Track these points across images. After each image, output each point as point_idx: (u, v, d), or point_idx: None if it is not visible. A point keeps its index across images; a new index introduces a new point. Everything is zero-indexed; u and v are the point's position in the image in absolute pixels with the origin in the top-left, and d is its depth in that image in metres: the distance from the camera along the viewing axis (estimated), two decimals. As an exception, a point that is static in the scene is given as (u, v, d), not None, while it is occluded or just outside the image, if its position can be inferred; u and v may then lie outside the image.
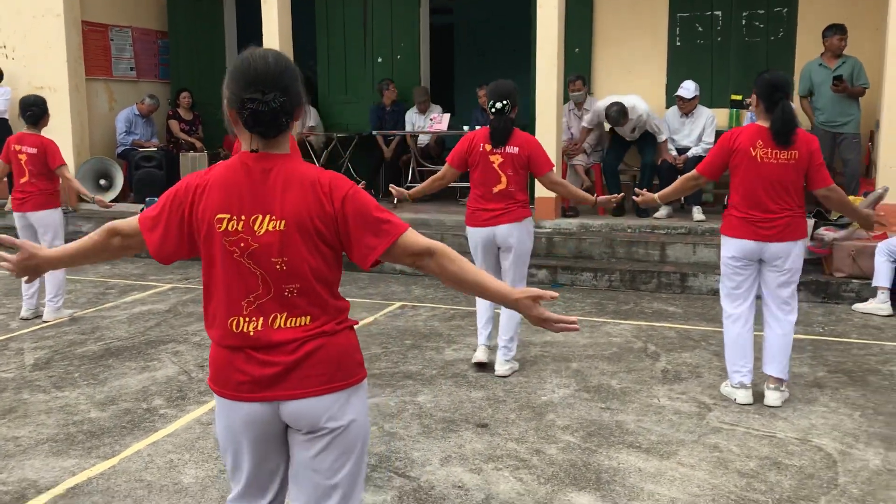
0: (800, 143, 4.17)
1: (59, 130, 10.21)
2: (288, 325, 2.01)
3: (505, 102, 4.66)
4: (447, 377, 4.79)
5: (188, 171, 9.64)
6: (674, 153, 7.96)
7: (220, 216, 2.00)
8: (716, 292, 6.34)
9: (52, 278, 6.09)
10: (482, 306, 5.01)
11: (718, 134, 8.10)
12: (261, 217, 1.98)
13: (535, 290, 2.14)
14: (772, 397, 4.29)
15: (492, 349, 4.95)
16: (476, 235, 4.84)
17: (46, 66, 10.10)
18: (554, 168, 4.94)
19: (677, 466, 3.58)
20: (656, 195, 4.70)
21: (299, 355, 2.01)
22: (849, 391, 4.50)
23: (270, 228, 1.98)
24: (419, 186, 5.11)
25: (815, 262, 6.69)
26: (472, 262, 4.77)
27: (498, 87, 4.74)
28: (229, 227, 1.99)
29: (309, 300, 2.02)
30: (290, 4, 9.13)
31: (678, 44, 9.39)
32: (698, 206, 7.95)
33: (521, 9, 10.06)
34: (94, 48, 10.50)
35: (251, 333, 2.01)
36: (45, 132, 6.28)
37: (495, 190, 4.72)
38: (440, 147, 10.09)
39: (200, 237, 2.03)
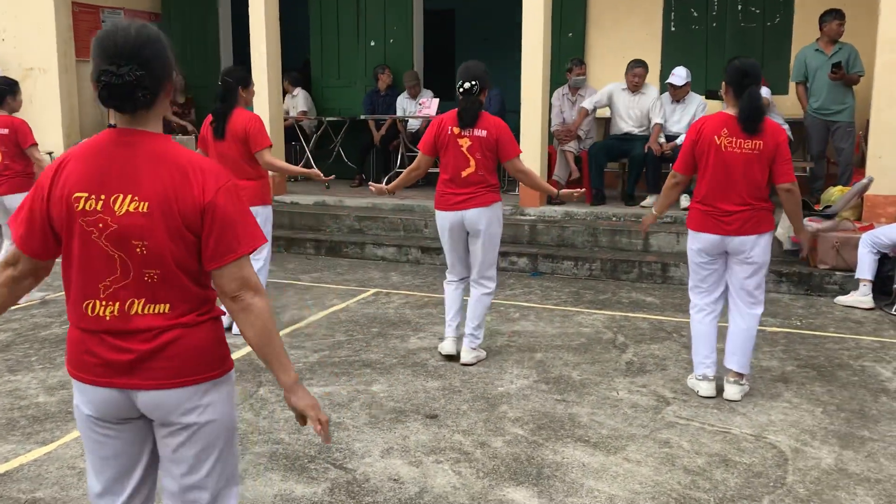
0: (766, 134, 4.04)
1: (49, 112, 10.20)
2: (146, 312, 1.92)
3: (474, 83, 4.58)
4: (406, 366, 4.70)
5: (176, 155, 9.61)
6: (662, 140, 7.80)
7: (77, 194, 1.89)
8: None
9: None
10: (451, 297, 4.92)
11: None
12: (121, 197, 1.87)
13: (312, 408, 2.05)
14: (731, 391, 4.19)
15: (459, 340, 4.84)
16: (444, 219, 4.76)
17: (37, 47, 10.05)
18: (521, 155, 4.81)
19: (623, 462, 3.48)
20: (654, 211, 4.61)
21: (154, 345, 1.93)
22: (815, 386, 4.37)
23: (131, 209, 1.87)
24: (396, 180, 5.04)
25: (798, 254, 6.53)
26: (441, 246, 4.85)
27: (468, 68, 4.66)
28: (87, 207, 1.88)
29: (169, 288, 1.92)
30: (276, -12, 9.01)
31: (673, 29, 9.21)
32: (686, 194, 7.78)
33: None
34: (85, 29, 10.42)
35: (107, 318, 1.92)
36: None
37: (464, 174, 4.64)
38: (430, 132, 9.96)
39: (60, 217, 1.91)
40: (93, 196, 1.88)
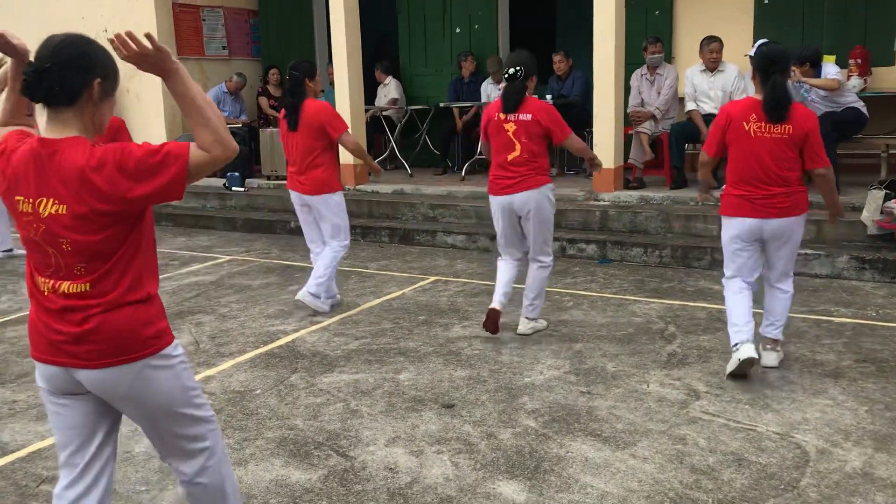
0: (795, 119, 4.01)
1: (153, 107, 10.79)
2: (76, 298, 2.12)
3: (518, 69, 4.66)
4: (441, 355, 4.69)
5: (267, 146, 9.95)
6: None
7: (17, 197, 2.13)
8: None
9: None
10: (502, 269, 5.06)
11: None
12: (44, 200, 2.08)
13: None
14: (768, 358, 4.27)
15: (503, 307, 4.95)
16: (495, 204, 4.91)
17: (141, 48, 10.61)
18: (572, 134, 4.84)
19: (628, 458, 3.34)
20: (700, 192, 4.75)
21: (84, 328, 2.12)
22: (868, 383, 4.05)
23: (53, 212, 2.07)
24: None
25: (887, 238, 6.06)
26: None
27: (513, 56, 4.86)
28: (23, 209, 2.12)
29: (96, 276, 2.11)
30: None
31: (765, 2, 8.69)
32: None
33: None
34: (186, 29, 10.95)
35: (46, 303, 2.15)
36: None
37: (510, 157, 4.76)
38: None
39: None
40: (26, 199, 2.11)
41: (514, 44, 10.85)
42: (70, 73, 2.05)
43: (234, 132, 10.14)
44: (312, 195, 5.49)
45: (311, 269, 5.75)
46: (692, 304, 5.55)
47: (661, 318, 5.24)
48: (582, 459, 3.35)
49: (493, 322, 4.86)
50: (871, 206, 6.00)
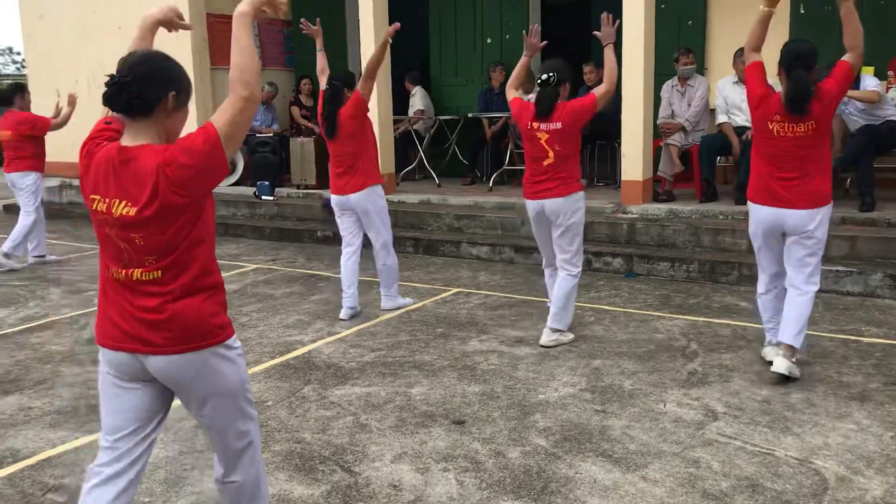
0: (816, 111, 4.06)
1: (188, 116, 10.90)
2: (148, 287, 2.26)
3: (551, 75, 4.78)
4: (455, 369, 4.63)
5: (297, 155, 10.00)
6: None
7: (92, 196, 2.30)
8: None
9: None
10: (549, 284, 5.25)
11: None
12: (116, 201, 2.24)
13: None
14: (780, 365, 4.20)
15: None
16: (528, 207, 5.07)
17: (175, 56, 10.71)
18: (594, 93, 4.87)
19: (638, 481, 3.25)
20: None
21: (157, 317, 2.26)
22: (896, 407, 3.90)
23: (123, 213, 2.23)
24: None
25: None
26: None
27: (548, 63, 4.91)
28: (97, 207, 2.29)
29: (166, 268, 2.26)
30: (386, -7, 9.13)
31: (802, 11, 8.52)
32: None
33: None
34: (220, 39, 11.05)
35: (119, 293, 2.30)
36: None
37: (545, 163, 4.90)
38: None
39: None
40: (101, 199, 2.28)
41: (546, 54, 10.79)
42: (147, 86, 2.23)
43: (264, 141, 10.32)
44: (354, 193, 5.62)
45: (337, 278, 5.80)
46: (717, 320, 5.42)
47: (683, 335, 5.12)
48: (591, 481, 3.26)
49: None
50: (908, 223, 5.81)
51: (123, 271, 2.27)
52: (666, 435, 3.67)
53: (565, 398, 4.15)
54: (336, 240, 8.62)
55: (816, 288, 4.28)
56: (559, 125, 4.79)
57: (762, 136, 4.23)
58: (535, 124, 4.85)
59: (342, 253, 5.84)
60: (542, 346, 4.93)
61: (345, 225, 5.82)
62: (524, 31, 5.46)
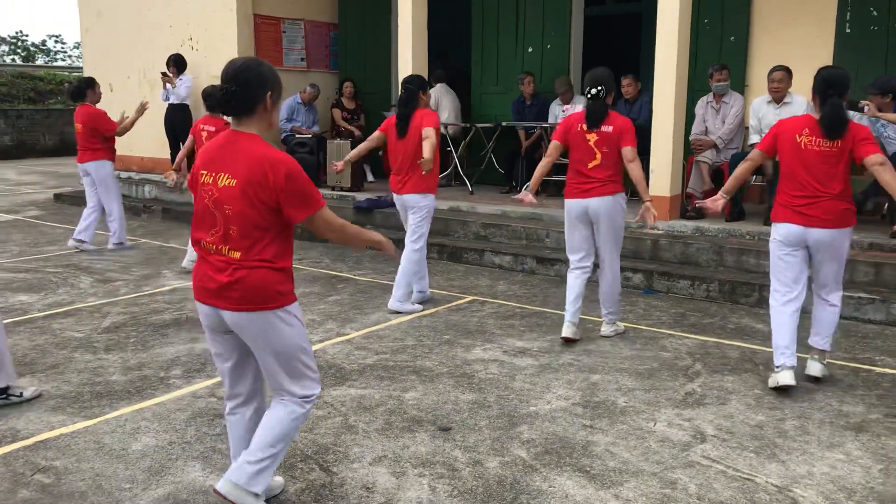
0: (847, 135, 4.19)
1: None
2: (228, 254, 2.76)
3: (600, 88, 5.05)
4: (454, 376, 4.65)
5: (334, 157, 10.11)
6: None
7: (202, 172, 2.82)
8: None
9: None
10: (571, 284, 5.35)
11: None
12: (223, 175, 2.75)
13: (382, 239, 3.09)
14: (813, 368, 4.50)
15: (574, 325, 5.30)
16: (571, 206, 5.26)
17: (222, 56, 10.91)
18: (635, 148, 5.11)
19: (611, 499, 3.23)
20: (722, 193, 4.73)
21: (231, 278, 2.75)
22: (892, 440, 3.79)
23: (226, 184, 2.74)
24: (533, 180, 5.46)
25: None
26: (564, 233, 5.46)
27: (593, 75, 5.13)
28: (204, 181, 2.80)
29: (244, 239, 2.74)
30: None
31: (848, 31, 8.32)
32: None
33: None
34: (266, 40, 11.27)
35: (208, 258, 2.81)
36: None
37: (590, 165, 5.13)
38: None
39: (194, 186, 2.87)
40: (208, 173, 2.80)
41: (587, 65, 10.74)
42: (250, 91, 2.75)
43: (303, 142, 10.48)
44: (409, 194, 6.03)
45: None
46: (728, 342, 5.34)
47: (690, 355, 5.06)
48: (562, 495, 3.25)
49: (569, 344, 5.29)
50: (934, 251, 5.65)
51: (213, 242, 2.78)
52: (649, 454, 3.64)
53: (556, 411, 4.14)
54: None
55: (840, 295, 4.56)
56: (610, 129, 5.07)
57: (789, 153, 4.32)
58: (585, 127, 5.11)
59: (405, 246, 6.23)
60: (603, 337, 5.39)
61: (404, 217, 6.28)
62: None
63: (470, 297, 6.52)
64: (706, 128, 7.96)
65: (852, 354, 5.08)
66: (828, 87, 4.20)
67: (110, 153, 8.52)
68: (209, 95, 7.08)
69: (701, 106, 8.02)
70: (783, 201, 4.38)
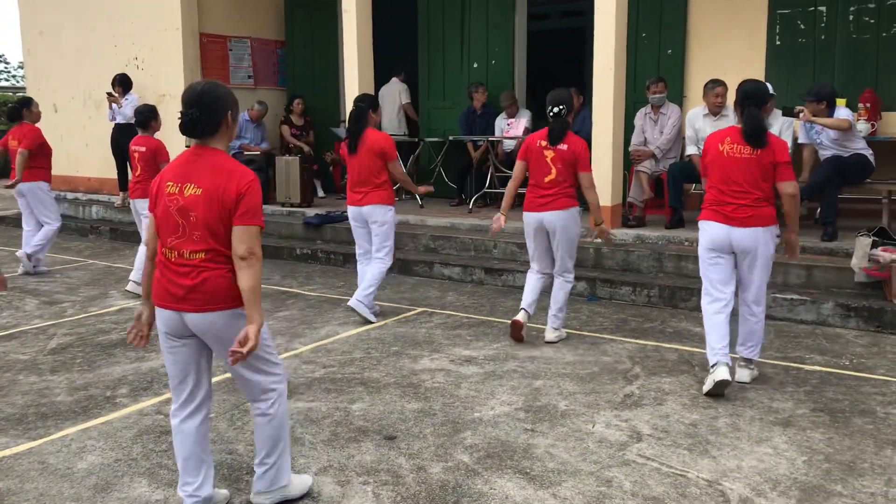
0: (769, 146, 4.44)
1: (176, 135, 11.11)
2: (191, 257, 2.93)
3: (561, 107, 5.38)
4: (400, 387, 4.74)
5: (282, 174, 10.16)
6: None
7: (167, 183, 3.00)
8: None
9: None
10: (530, 282, 5.67)
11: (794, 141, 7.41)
12: (189, 185, 2.95)
13: (249, 334, 2.88)
14: (741, 374, 4.68)
15: (528, 315, 5.62)
16: (529, 219, 5.57)
17: (167, 75, 10.99)
18: (591, 173, 5.49)
19: (549, 498, 3.34)
20: None
21: (195, 281, 2.93)
22: (817, 433, 3.98)
23: (192, 193, 2.93)
24: (504, 202, 5.72)
25: (875, 287, 5.95)
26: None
27: (555, 95, 5.45)
28: (170, 191, 2.98)
29: (206, 242, 2.92)
30: (370, 16, 9.31)
31: (778, 43, 8.66)
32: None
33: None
34: (212, 58, 11.29)
35: (170, 265, 2.97)
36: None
37: (546, 179, 5.44)
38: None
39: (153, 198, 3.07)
40: (174, 184, 2.98)
41: (531, 79, 10.97)
42: (211, 115, 2.96)
43: (251, 160, 10.49)
44: (368, 206, 6.20)
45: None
46: (666, 345, 5.52)
47: (630, 359, 5.22)
48: (502, 497, 3.36)
49: (517, 331, 5.54)
50: (859, 253, 5.91)
51: (175, 247, 2.94)
52: (587, 455, 3.77)
53: (499, 416, 4.25)
54: (313, 258, 8.80)
55: (764, 305, 4.72)
56: (565, 147, 5.38)
57: (713, 162, 4.58)
58: (545, 143, 5.42)
59: (358, 260, 6.54)
60: (547, 343, 5.54)
61: (358, 234, 6.45)
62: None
63: (419, 309, 6.62)
64: (645, 138, 8.19)
65: (784, 353, 5.29)
66: (745, 97, 4.47)
67: (48, 173, 8.40)
68: (139, 113, 7.23)
69: (640, 117, 8.25)
70: (710, 207, 4.60)
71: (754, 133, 4.41)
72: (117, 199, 11.31)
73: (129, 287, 7.39)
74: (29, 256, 8.28)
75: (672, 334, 5.78)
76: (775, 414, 4.24)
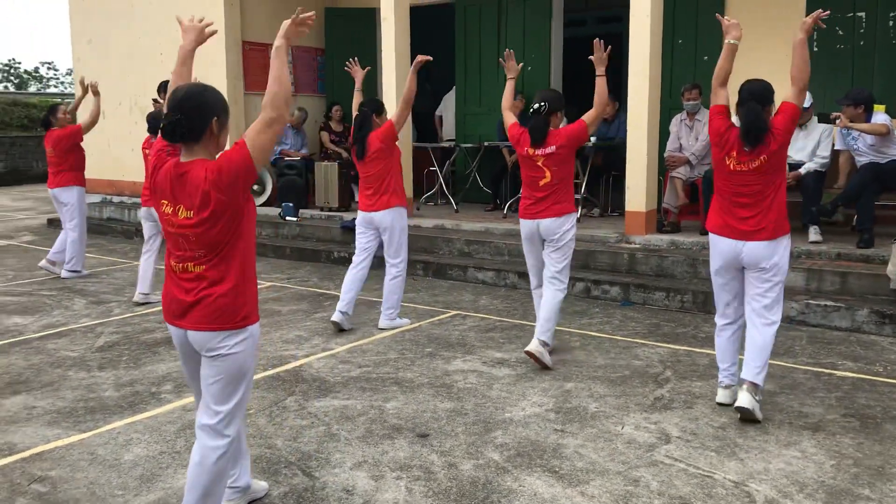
0: (771, 145, 4.19)
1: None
2: (195, 276, 2.86)
3: (542, 104, 5.17)
4: (433, 387, 4.85)
5: (321, 179, 10.36)
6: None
7: (162, 201, 2.90)
8: (791, 319, 5.91)
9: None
10: (538, 304, 5.45)
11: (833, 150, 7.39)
12: (180, 207, 2.84)
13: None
14: (742, 398, 4.20)
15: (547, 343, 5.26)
16: (524, 227, 5.39)
17: (210, 83, 10.99)
18: (583, 119, 5.21)
19: (576, 496, 3.43)
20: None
21: (196, 298, 2.87)
22: (846, 438, 4.01)
23: (183, 217, 2.83)
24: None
25: (911, 292, 5.92)
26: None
27: (540, 93, 5.33)
28: (165, 210, 2.89)
29: (210, 261, 2.85)
30: (408, 23, 9.48)
31: (815, 49, 8.61)
32: (815, 227, 7.28)
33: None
34: (254, 66, 11.53)
35: (176, 280, 2.92)
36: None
37: (541, 184, 5.23)
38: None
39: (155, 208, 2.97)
40: (168, 204, 2.87)
41: (567, 85, 11.03)
42: (194, 119, 2.78)
43: (291, 164, 10.70)
44: (380, 211, 6.07)
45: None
46: (698, 350, 5.55)
47: (661, 363, 5.27)
48: (531, 494, 3.45)
49: (535, 362, 5.20)
50: (895, 260, 5.88)
51: (181, 263, 2.87)
52: (615, 455, 3.84)
53: (529, 417, 4.34)
54: (350, 261, 8.94)
55: (777, 320, 4.30)
56: (553, 149, 5.14)
57: (720, 172, 4.36)
58: (531, 150, 5.20)
59: (352, 265, 6.27)
60: (526, 352, 5.18)
61: (362, 240, 6.25)
62: (500, 59, 5.97)
63: (453, 312, 6.73)
64: (680, 144, 8.22)
65: (816, 360, 5.30)
66: (748, 95, 4.25)
67: (80, 176, 8.53)
68: (154, 119, 7.30)
69: (675, 123, 8.28)
70: (719, 218, 4.37)
71: (751, 130, 4.12)
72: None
73: (137, 298, 7.26)
74: (52, 262, 8.56)
75: (704, 339, 5.81)
76: (805, 419, 4.27)
